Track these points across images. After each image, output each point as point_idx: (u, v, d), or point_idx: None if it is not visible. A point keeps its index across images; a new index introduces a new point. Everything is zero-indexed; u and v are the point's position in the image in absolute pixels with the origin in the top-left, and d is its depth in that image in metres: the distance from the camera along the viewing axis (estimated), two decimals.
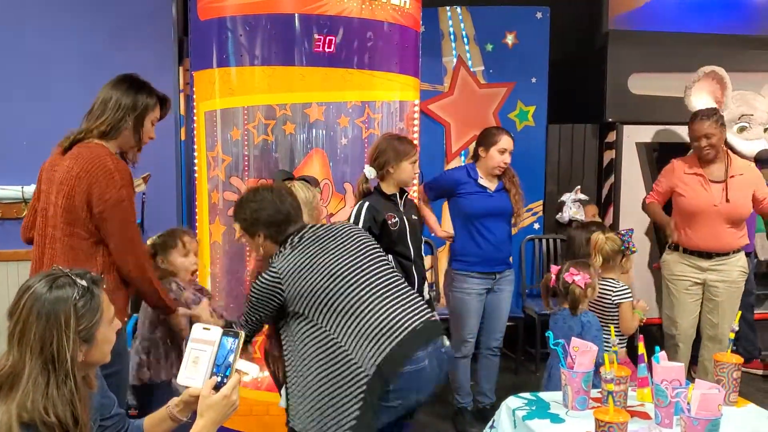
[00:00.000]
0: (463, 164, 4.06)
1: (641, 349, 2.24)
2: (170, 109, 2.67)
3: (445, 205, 4.32)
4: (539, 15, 4.85)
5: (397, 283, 2.39)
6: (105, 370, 1.90)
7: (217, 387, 1.64)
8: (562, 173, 5.13)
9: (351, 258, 2.37)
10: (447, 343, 2.36)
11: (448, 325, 3.72)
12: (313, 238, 2.42)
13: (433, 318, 2.36)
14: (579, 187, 4.81)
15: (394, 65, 3.51)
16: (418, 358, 2.20)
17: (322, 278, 2.30)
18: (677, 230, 3.89)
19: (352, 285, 2.30)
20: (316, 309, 2.27)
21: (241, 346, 1.67)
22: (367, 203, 3.07)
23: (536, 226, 5.12)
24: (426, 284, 3.32)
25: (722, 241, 3.84)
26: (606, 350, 2.47)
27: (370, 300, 2.27)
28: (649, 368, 2.23)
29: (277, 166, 3.31)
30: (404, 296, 2.35)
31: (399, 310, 2.27)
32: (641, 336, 2.28)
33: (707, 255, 3.85)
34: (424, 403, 2.40)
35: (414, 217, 3.23)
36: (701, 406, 1.82)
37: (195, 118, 3.50)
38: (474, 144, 4.77)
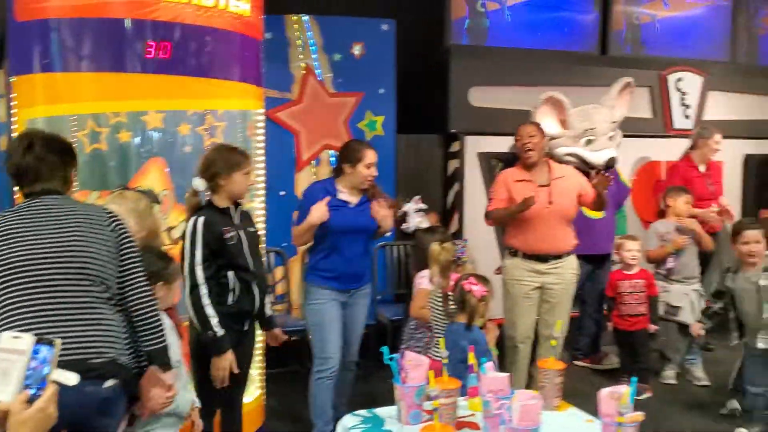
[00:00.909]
0: (314, 183, 3.80)
1: (471, 359, 2.31)
2: None
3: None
4: (385, 27, 4.93)
5: (64, 306, 2.02)
6: None
7: (30, 400, 1.50)
8: (411, 182, 5.24)
9: (40, 255, 2.04)
10: (109, 383, 2.04)
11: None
12: (33, 211, 2.11)
13: (89, 358, 2.01)
14: (419, 196, 4.94)
15: (235, 73, 3.45)
16: None
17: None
18: (516, 235, 4.09)
19: (14, 283, 2.00)
20: None
21: (57, 354, 1.54)
22: (201, 218, 2.93)
23: (388, 233, 5.19)
24: (269, 299, 3.24)
25: (556, 242, 4.08)
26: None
27: (17, 310, 1.98)
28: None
29: (108, 177, 3.13)
30: (59, 323, 2.00)
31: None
32: (471, 346, 2.35)
33: (544, 258, 4.08)
34: None
35: (250, 229, 3.14)
36: (522, 417, 1.91)
37: (15, 126, 3.23)
38: (325, 154, 4.88)
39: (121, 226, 2.22)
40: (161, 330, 2.23)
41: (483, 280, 3.00)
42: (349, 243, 3.56)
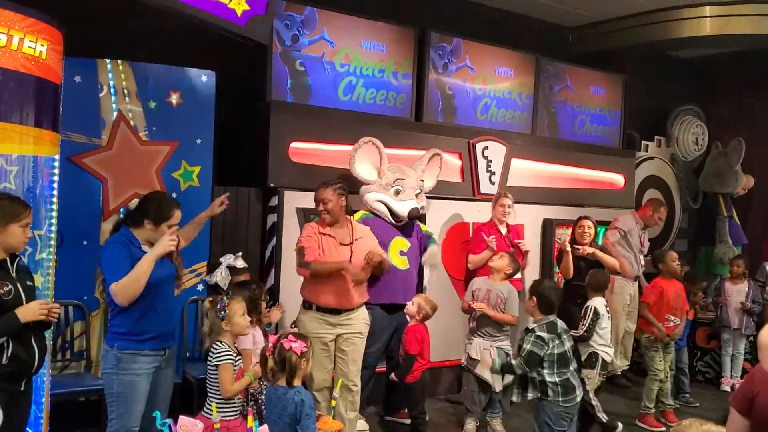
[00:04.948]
0: (115, 235, 3.46)
1: (250, 422, 2.29)
2: None
3: None
4: (204, 78, 4.88)
5: None
6: None
7: None
8: (228, 235, 5.16)
9: None
10: None
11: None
12: None
13: None
14: (240, 253, 4.89)
15: (28, 117, 3.27)
16: None
17: None
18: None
19: None
20: None
21: None
22: None
23: (200, 287, 5.05)
24: (47, 356, 3.04)
25: (351, 298, 4.27)
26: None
27: None
28: None
29: None
30: None
31: None
32: (250, 410, 2.33)
33: (337, 311, 4.23)
34: None
35: (29, 282, 2.95)
36: None
37: None
38: (134, 203, 4.66)
39: None
40: None
41: (301, 336, 3.03)
42: (161, 296, 3.40)
